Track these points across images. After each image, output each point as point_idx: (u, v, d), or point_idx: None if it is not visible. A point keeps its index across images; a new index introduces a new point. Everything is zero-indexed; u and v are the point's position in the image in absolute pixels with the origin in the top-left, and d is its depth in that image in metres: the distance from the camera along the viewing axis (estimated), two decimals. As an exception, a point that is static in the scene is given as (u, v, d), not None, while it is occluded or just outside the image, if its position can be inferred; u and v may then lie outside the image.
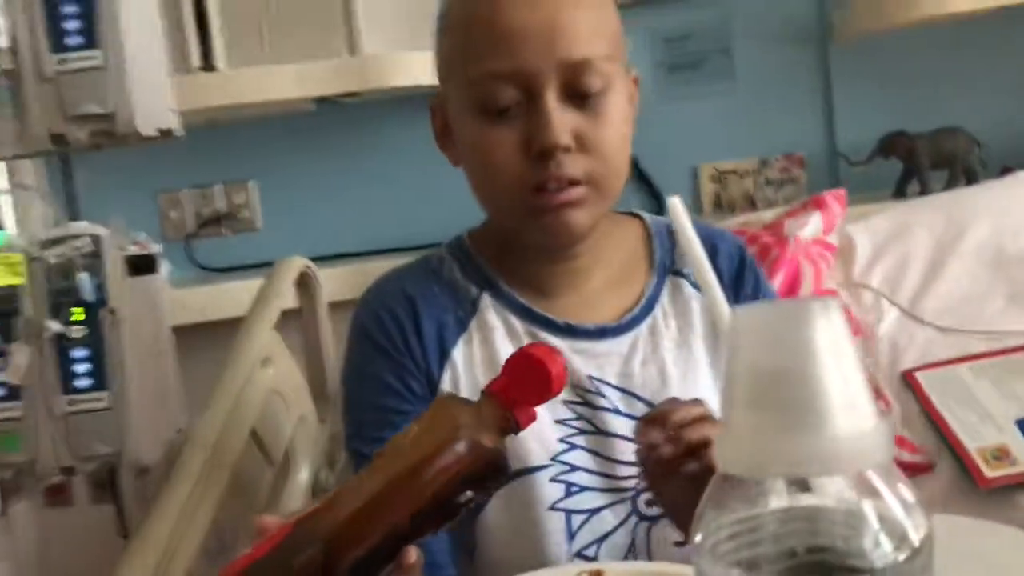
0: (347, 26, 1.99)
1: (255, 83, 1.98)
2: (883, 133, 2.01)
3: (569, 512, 0.95)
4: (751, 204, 2.20)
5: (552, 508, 0.95)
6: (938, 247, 1.56)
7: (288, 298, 1.51)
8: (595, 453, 0.96)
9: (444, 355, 0.98)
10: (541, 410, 0.93)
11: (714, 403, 0.97)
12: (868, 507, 0.35)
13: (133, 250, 1.16)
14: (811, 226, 1.54)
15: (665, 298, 1.01)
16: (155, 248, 2.24)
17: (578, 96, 0.89)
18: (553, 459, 0.95)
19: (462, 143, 0.95)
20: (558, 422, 0.96)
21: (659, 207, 2.19)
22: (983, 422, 1.32)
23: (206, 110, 1.96)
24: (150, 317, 1.16)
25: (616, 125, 0.92)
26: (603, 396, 0.96)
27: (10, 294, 1.11)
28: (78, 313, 1.11)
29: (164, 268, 2.31)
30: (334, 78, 1.98)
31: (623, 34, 0.97)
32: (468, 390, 0.97)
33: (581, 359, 0.97)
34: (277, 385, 1.40)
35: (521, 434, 0.93)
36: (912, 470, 1.28)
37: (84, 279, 1.10)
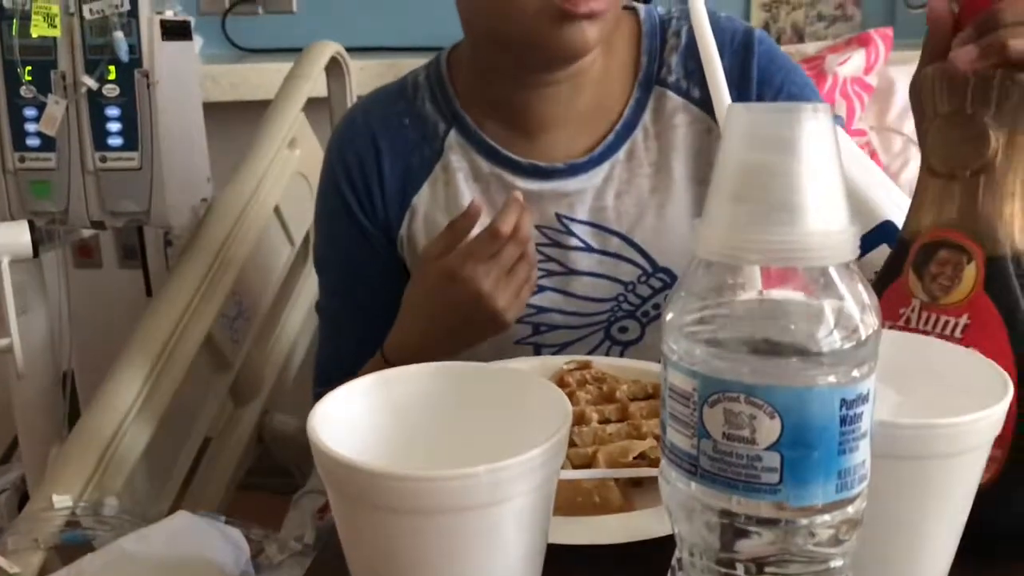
0: None
1: None
2: (946, -24, 1.92)
3: (538, 346, 0.96)
4: (800, 37, 2.14)
5: (519, 343, 0.96)
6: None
7: (318, 83, 1.51)
8: (565, 293, 0.95)
9: (405, 202, 0.97)
10: None
11: (688, 228, 0.94)
12: (826, 300, 0.38)
13: (169, 15, 1.16)
14: (852, 63, 1.50)
15: (647, 116, 0.95)
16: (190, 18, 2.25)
17: None
18: None
19: None
20: None
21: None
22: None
23: None
24: (182, 83, 1.17)
25: None
26: (573, 235, 0.94)
27: (47, 45, 1.12)
28: (112, 72, 1.12)
29: (197, 41, 2.31)
30: None
31: None
32: (426, 235, 0.96)
33: (551, 199, 0.94)
34: (302, 167, 1.44)
35: None
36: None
37: (119, 38, 1.10)
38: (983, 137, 0.54)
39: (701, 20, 0.51)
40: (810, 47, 1.63)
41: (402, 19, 2.26)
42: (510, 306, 0.83)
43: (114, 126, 1.12)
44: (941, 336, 0.56)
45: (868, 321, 0.38)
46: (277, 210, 1.37)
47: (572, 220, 0.94)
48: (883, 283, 0.60)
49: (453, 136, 0.96)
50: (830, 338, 0.38)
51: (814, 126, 0.38)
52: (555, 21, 0.83)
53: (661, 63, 0.95)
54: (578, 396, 0.73)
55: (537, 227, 0.94)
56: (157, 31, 1.12)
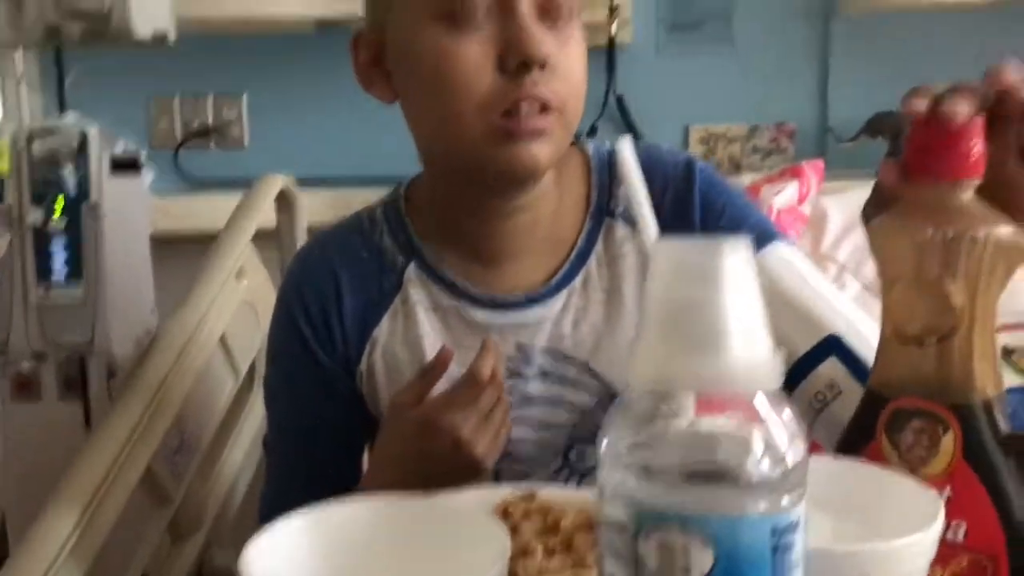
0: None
1: (256, -2, 1.98)
2: (874, 112, 2.03)
3: (498, 472, 0.94)
4: (737, 169, 2.22)
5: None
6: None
7: (267, 214, 1.53)
8: (523, 422, 0.95)
9: (365, 335, 0.97)
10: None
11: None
12: (754, 428, 0.39)
13: (119, 150, 1.17)
14: (786, 194, 1.57)
15: (599, 245, 0.97)
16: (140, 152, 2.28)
17: (550, 16, 0.84)
18: None
19: (414, 61, 0.87)
20: None
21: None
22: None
23: (207, 20, 1.97)
24: (130, 216, 1.18)
25: (582, 56, 0.87)
26: (531, 364, 0.95)
27: (-6, 180, 1.13)
28: (60, 205, 1.13)
29: (148, 174, 2.34)
30: (337, 1, 1.99)
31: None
32: (385, 369, 0.96)
33: (509, 330, 0.95)
34: (250, 297, 1.44)
35: None
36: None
37: (68, 172, 1.12)
38: (948, 302, 0.54)
39: (628, 161, 0.53)
40: (746, 179, 1.70)
41: (350, 152, 2.32)
42: (489, 452, 0.84)
43: (59, 259, 1.12)
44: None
45: (796, 448, 0.39)
46: (223, 340, 1.36)
47: (531, 349, 0.95)
48: (855, 442, 0.59)
49: (412, 269, 0.97)
50: (759, 466, 0.38)
51: (734, 259, 0.39)
52: (501, 142, 0.85)
53: (611, 195, 0.98)
54: (522, 528, 0.72)
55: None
56: (106, 165, 1.13)
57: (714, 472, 0.39)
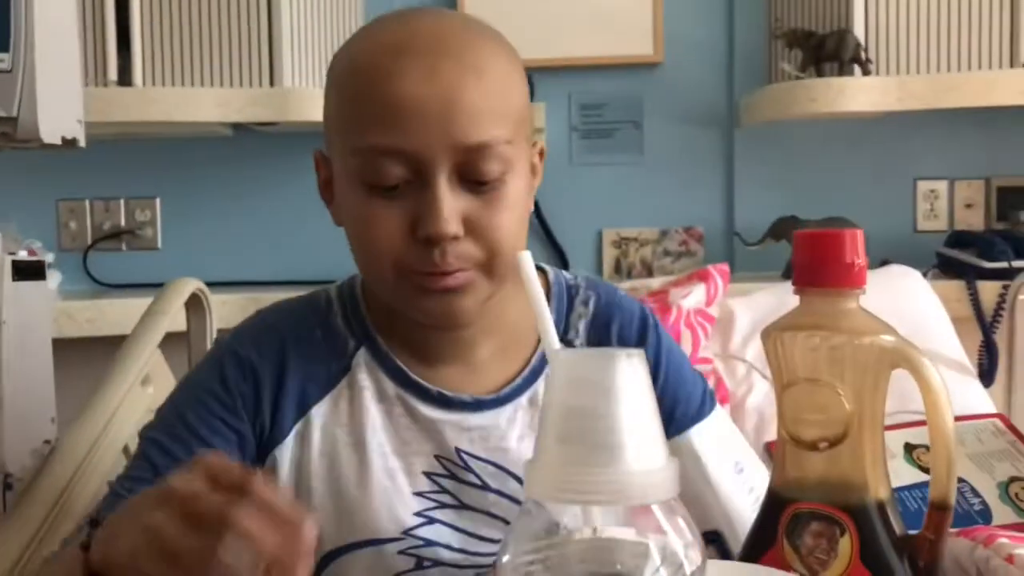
0: (270, 56, 2.02)
1: (172, 102, 1.99)
2: (777, 216, 2.11)
3: None
4: (648, 271, 2.28)
5: None
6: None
7: (177, 319, 1.51)
8: (457, 529, 0.93)
9: (302, 412, 0.94)
10: (400, 481, 0.92)
11: None
12: (651, 538, 0.40)
13: (22, 255, 1.15)
14: (694, 296, 1.61)
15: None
16: (47, 256, 2.23)
17: (473, 181, 0.83)
18: (405, 532, 0.91)
19: (344, 209, 0.89)
20: (417, 494, 0.93)
21: (563, 266, 2.25)
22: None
23: (120, 124, 1.97)
24: (33, 324, 1.15)
25: (512, 208, 0.86)
26: (471, 471, 0.94)
27: None
28: (-43, 312, 1.09)
29: (54, 278, 2.29)
30: (253, 106, 2.01)
31: (533, 103, 0.96)
32: (320, 446, 0.93)
33: (453, 431, 0.93)
34: (155, 404, 1.39)
35: (372, 504, 0.91)
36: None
37: (-33, 278, 1.09)
38: (838, 407, 0.56)
39: (529, 275, 0.54)
40: (655, 282, 1.74)
41: (264, 255, 2.31)
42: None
43: (-46, 367, 1.08)
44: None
45: (692, 557, 0.40)
46: (126, 451, 1.32)
47: (472, 457, 0.94)
48: (758, 545, 0.60)
49: (362, 354, 0.95)
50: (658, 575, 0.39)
51: (630, 371, 0.40)
52: (422, 295, 0.86)
53: (568, 326, 0.99)
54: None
55: (436, 456, 0.93)
56: (8, 271, 1.11)
57: (611, 583, 0.39)
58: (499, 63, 0.86)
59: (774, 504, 0.58)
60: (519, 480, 0.94)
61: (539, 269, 1.02)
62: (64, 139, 1.18)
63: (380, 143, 0.82)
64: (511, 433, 0.94)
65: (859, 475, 0.57)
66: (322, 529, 0.93)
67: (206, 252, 2.30)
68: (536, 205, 2.31)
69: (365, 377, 0.95)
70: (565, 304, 1.01)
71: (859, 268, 0.56)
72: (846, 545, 0.55)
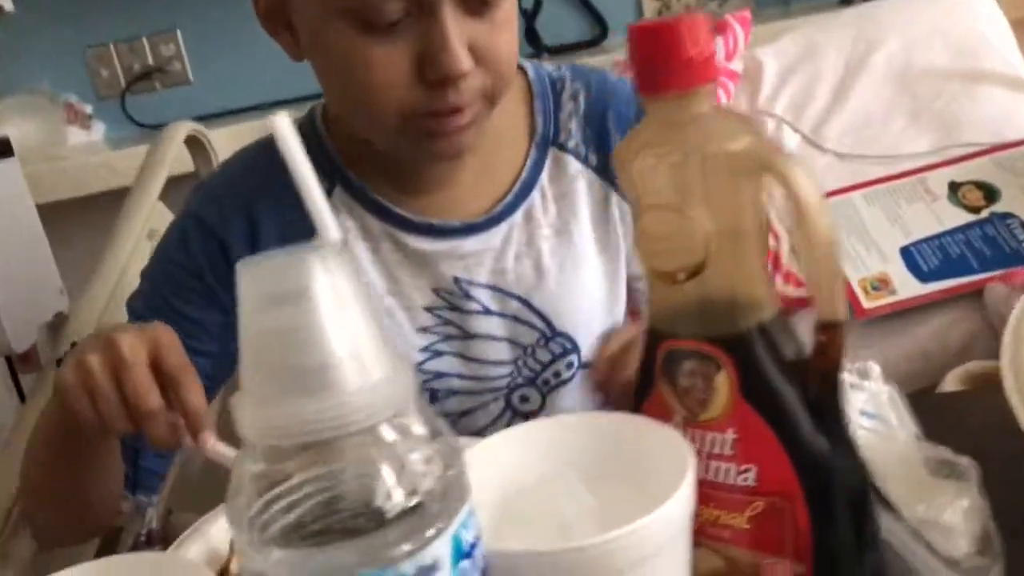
0: None
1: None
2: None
3: (436, 414, 0.91)
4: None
5: None
6: (847, 66, 1.49)
7: (177, 164, 1.48)
8: (464, 357, 0.91)
9: None
10: (402, 319, 0.89)
11: (599, 295, 0.94)
12: (383, 463, 0.34)
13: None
14: (710, 54, 1.46)
15: (545, 177, 0.91)
16: (86, 108, 2.21)
17: (477, 7, 0.76)
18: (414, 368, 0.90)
19: (323, 50, 0.80)
20: (421, 330, 0.90)
21: (603, 31, 2.11)
22: (869, 251, 1.30)
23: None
24: (8, 200, 1.14)
25: (512, 25, 0.80)
26: (471, 298, 0.90)
27: None
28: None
29: (97, 129, 2.29)
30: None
31: None
32: None
33: (447, 261, 0.89)
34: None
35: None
36: (796, 305, 1.27)
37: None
38: (691, 231, 0.47)
39: (288, 143, 0.47)
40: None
41: (302, 67, 2.22)
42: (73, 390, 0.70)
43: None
44: (711, 456, 0.50)
45: (433, 470, 0.35)
46: (145, 308, 1.34)
47: (471, 283, 0.90)
48: (639, 392, 0.54)
49: (338, 194, 0.90)
50: (384, 506, 0.34)
51: (326, 274, 0.34)
52: (423, 138, 0.80)
53: (558, 127, 0.92)
54: None
55: (434, 290, 0.90)
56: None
57: (335, 526, 0.34)
58: None
59: (649, 343, 0.52)
60: (521, 300, 0.91)
61: (518, 68, 0.92)
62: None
63: None
64: (508, 253, 0.91)
65: (731, 301, 0.49)
66: None
67: (239, 77, 2.23)
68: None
69: (346, 216, 0.90)
70: (551, 103, 0.93)
71: (702, 60, 0.46)
72: (723, 382, 0.49)
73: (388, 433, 0.35)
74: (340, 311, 0.34)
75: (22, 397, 1.34)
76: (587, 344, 0.94)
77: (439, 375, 0.91)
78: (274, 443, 0.35)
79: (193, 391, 0.68)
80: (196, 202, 0.94)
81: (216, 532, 0.66)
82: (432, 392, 0.91)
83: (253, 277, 0.35)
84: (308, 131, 0.92)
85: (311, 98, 2.10)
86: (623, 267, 0.96)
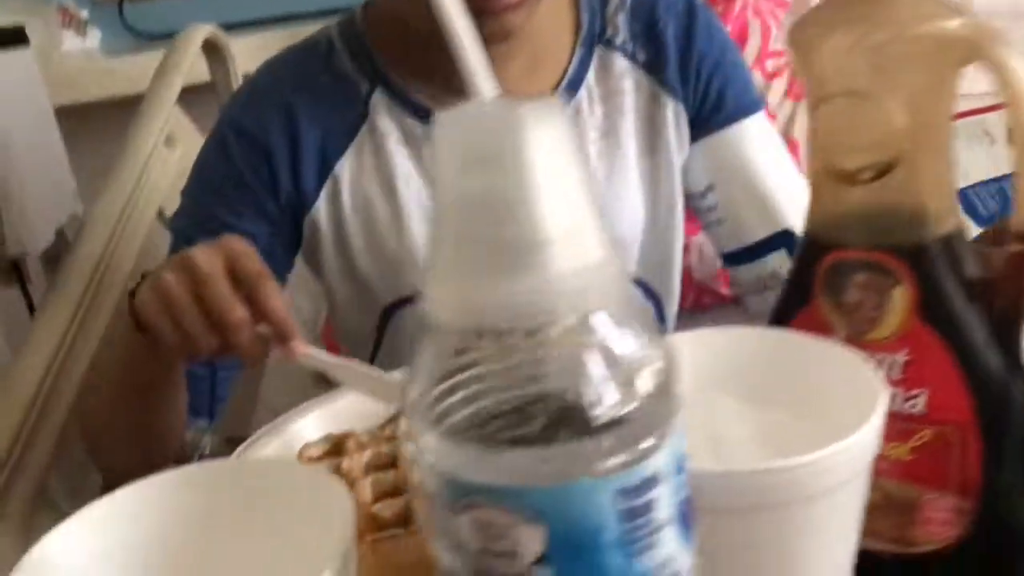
0: None
1: None
2: None
3: None
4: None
5: None
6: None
7: (194, 71, 1.40)
8: None
9: (324, 172, 0.87)
10: None
11: (638, 200, 0.90)
12: (593, 355, 0.29)
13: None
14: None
15: (591, 76, 0.88)
16: (81, 12, 2.11)
17: None
18: None
19: None
20: None
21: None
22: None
23: None
24: (20, 95, 1.06)
25: None
26: None
27: None
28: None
29: (93, 36, 2.18)
30: None
31: None
32: (352, 203, 0.88)
33: None
34: (186, 166, 1.32)
35: (416, 255, 0.86)
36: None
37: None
38: (885, 123, 0.42)
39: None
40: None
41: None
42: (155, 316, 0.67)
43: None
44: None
45: (648, 380, 0.29)
46: (161, 215, 1.27)
47: None
48: (791, 305, 0.48)
49: (378, 96, 0.87)
50: (599, 408, 0.29)
51: (543, 131, 0.28)
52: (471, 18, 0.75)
53: (604, 22, 0.89)
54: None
55: None
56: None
57: (535, 425, 0.29)
58: None
59: (810, 252, 0.46)
60: None
61: None
62: None
63: None
64: None
65: (917, 208, 0.44)
66: (375, 286, 0.91)
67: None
68: None
69: (386, 121, 0.87)
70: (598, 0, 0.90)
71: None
72: (901, 297, 0.44)
73: (602, 325, 0.29)
74: (557, 178, 0.28)
75: (30, 307, 1.27)
76: (626, 254, 0.90)
77: None
78: (468, 326, 0.29)
79: (276, 296, 0.63)
80: (233, 109, 0.92)
81: (296, 431, 0.61)
82: None
83: (455, 134, 0.29)
84: (348, 32, 0.90)
85: (314, 15, 2.05)
86: (674, 174, 0.91)
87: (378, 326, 0.94)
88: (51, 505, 1.06)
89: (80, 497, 1.12)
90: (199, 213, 0.90)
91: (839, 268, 0.45)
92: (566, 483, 0.28)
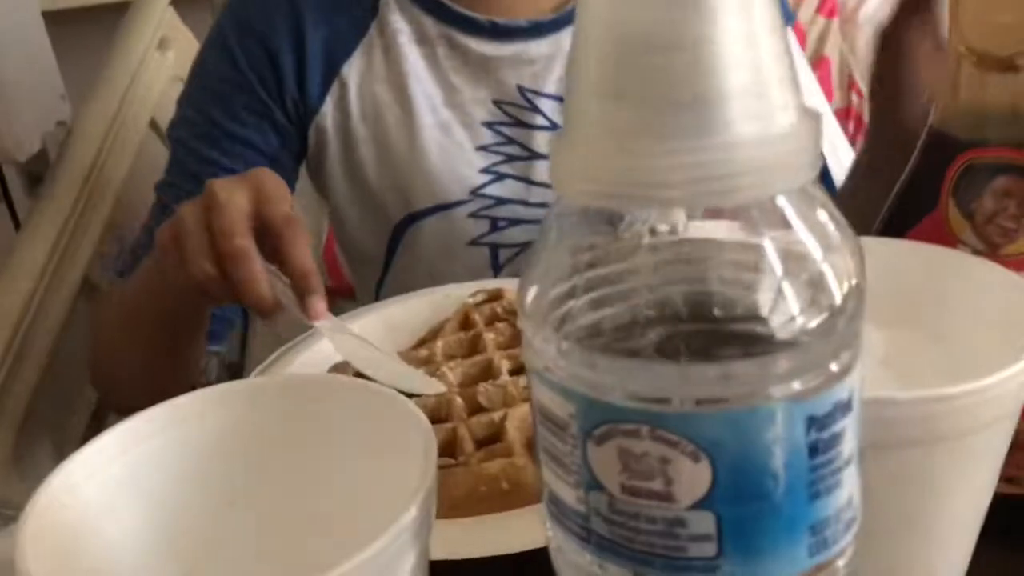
0: None
1: None
2: None
3: (495, 246, 0.82)
4: None
5: (473, 243, 0.82)
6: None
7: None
8: (529, 181, 0.81)
9: (331, 74, 0.81)
10: (460, 137, 0.80)
11: None
12: (768, 237, 0.23)
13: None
14: None
15: None
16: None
17: None
18: (473, 193, 0.80)
19: None
20: (480, 148, 0.81)
21: None
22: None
23: None
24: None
25: None
26: (538, 112, 0.81)
27: None
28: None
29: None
30: None
31: None
32: (360, 109, 0.81)
33: (511, 67, 0.80)
34: (179, 71, 1.24)
35: (429, 164, 0.80)
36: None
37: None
38: None
39: None
40: None
41: None
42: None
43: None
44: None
45: (844, 280, 0.23)
46: (154, 124, 1.19)
47: (537, 94, 0.81)
48: (909, 212, 0.42)
49: None
50: (785, 314, 0.23)
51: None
52: None
53: None
54: (485, 338, 0.58)
55: (495, 102, 0.81)
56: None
57: (702, 334, 0.23)
58: None
59: (938, 150, 0.40)
60: None
61: None
62: None
63: None
64: None
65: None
66: (385, 200, 0.85)
67: None
68: None
69: (398, 17, 0.81)
70: None
71: None
72: (1048, 207, 0.38)
73: (789, 212, 0.23)
74: (741, 24, 0.22)
75: (15, 220, 1.20)
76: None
77: (501, 201, 0.82)
78: (619, 206, 0.23)
79: (300, 246, 0.56)
80: (234, 5, 0.84)
81: (305, 359, 0.56)
82: (493, 221, 0.82)
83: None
84: None
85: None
86: None
87: (388, 244, 0.88)
88: (39, 428, 1.00)
89: (69, 421, 1.07)
90: (200, 120, 0.83)
91: (975, 170, 0.39)
92: (743, 408, 0.22)
